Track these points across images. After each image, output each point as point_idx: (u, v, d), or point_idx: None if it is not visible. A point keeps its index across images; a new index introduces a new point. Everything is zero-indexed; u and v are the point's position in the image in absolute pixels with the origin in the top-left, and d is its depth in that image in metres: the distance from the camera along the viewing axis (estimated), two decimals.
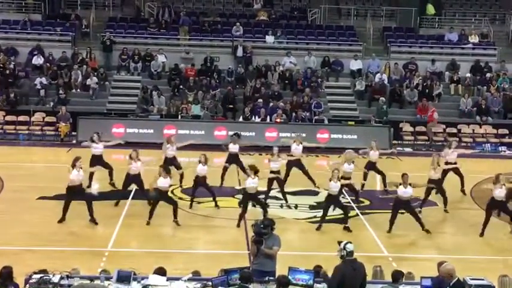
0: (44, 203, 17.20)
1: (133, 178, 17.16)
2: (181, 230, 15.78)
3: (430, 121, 27.84)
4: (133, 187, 17.54)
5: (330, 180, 15.91)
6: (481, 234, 15.94)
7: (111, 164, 18.87)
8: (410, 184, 15.67)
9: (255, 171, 15.73)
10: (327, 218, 16.20)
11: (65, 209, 15.65)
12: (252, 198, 16.09)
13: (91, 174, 18.33)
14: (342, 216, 16.28)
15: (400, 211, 15.93)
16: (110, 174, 18.77)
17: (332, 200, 16.19)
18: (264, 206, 16.58)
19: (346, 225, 16.08)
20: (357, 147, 20.08)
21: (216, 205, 17.50)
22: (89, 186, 17.94)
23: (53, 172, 19.13)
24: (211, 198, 17.54)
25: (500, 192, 15.78)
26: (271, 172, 17.71)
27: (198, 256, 14.31)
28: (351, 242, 9.27)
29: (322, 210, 16.28)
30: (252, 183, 15.69)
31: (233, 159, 19.55)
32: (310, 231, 16.00)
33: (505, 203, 16.06)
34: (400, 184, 15.68)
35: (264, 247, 10.51)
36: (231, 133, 23.62)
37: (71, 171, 15.52)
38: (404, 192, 15.64)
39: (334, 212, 16.54)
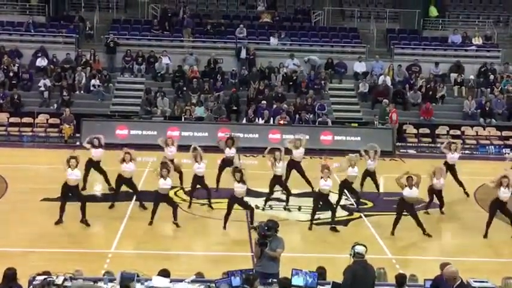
0: (47, 205, 17.18)
1: (125, 181, 17.11)
2: (185, 231, 15.80)
3: (394, 123, 27.24)
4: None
5: (321, 178, 15.79)
6: (485, 236, 15.91)
7: (110, 165, 18.78)
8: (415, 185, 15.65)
9: (241, 174, 15.53)
10: (328, 220, 16.25)
11: (62, 209, 15.67)
12: (238, 201, 15.81)
13: (85, 176, 18.29)
14: (345, 217, 16.26)
15: (404, 213, 15.89)
16: (106, 180, 18.62)
17: (321, 198, 16.04)
18: (251, 209, 16.11)
19: (333, 226, 16.07)
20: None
21: (210, 206, 17.51)
22: (84, 188, 17.92)
23: (57, 174, 19.04)
24: (212, 200, 17.56)
25: (505, 193, 15.74)
26: (275, 175, 17.64)
27: (201, 258, 14.31)
28: (361, 245, 9.28)
29: (312, 210, 16.25)
30: (239, 187, 15.53)
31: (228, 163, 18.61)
32: (313, 233, 15.99)
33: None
34: (406, 186, 15.62)
35: (268, 249, 10.51)
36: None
37: (66, 169, 15.59)
38: (409, 193, 15.59)
39: (337, 214, 16.50)
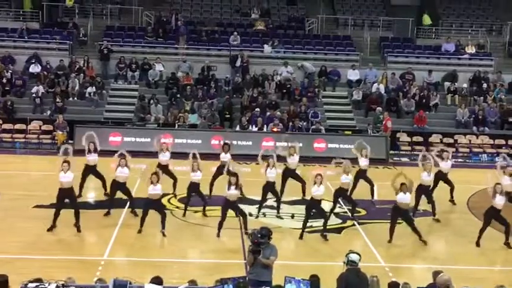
0: (40, 212, 17.13)
1: (120, 186, 17.07)
2: (178, 239, 15.75)
3: (385, 131, 27.36)
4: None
5: (314, 184, 15.74)
6: (477, 244, 15.92)
7: (106, 172, 18.76)
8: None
9: (236, 179, 15.52)
10: (321, 228, 16.23)
11: (56, 215, 15.64)
12: (231, 206, 15.80)
13: (82, 184, 18.25)
14: (338, 225, 16.24)
15: (398, 221, 15.88)
16: (104, 185, 18.52)
17: (313, 206, 15.99)
18: (244, 215, 16.11)
19: (324, 234, 16.02)
20: (353, 158, 19.87)
21: (204, 214, 17.43)
22: (80, 195, 17.84)
23: (49, 180, 19.01)
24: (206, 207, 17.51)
25: (500, 200, 15.74)
26: (267, 182, 17.62)
27: (194, 265, 14.27)
28: (355, 253, 9.28)
29: (304, 217, 16.13)
30: (232, 191, 15.53)
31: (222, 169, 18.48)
32: (306, 241, 15.97)
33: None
34: (400, 191, 15.61)
35: (261, 257, 10.49)
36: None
37: (58, 173, 15.59)
38: (403, 198, 15.56)
39: (331, 222, 16.52)
